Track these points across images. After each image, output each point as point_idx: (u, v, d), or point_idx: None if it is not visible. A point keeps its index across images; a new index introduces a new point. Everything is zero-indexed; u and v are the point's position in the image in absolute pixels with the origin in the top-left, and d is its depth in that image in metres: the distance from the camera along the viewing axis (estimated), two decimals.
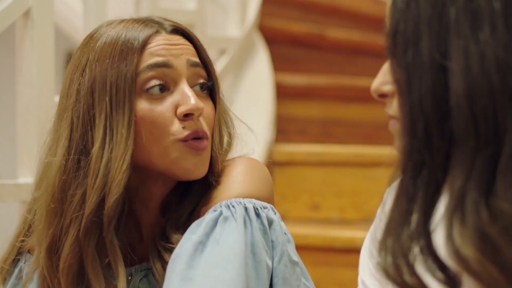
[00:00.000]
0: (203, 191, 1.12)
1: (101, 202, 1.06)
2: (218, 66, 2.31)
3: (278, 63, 2.56)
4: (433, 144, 0.75)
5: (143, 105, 1.08)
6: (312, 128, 2.61)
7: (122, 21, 1.14)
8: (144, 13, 2.02)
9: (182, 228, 1.10)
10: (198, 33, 2.22)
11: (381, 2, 3.10)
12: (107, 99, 1.07)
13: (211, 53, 2.35)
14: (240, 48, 2.41)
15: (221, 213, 1.06)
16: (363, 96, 2.62)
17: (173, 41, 1.11)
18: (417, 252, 0.76)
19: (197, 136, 1.09)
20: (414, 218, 0.76)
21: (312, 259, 1.91)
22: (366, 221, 2.11)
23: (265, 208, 1.08)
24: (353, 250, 1.77)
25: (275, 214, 1.09)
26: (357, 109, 2.69)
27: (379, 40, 2.91)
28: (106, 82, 1.08)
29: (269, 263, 1.05)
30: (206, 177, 1.12)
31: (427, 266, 0.75)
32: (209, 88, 1.14)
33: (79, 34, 2.03)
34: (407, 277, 0.76)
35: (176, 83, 1.10)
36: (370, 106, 2.62)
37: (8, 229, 1.20)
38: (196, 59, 1.12)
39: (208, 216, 1.06)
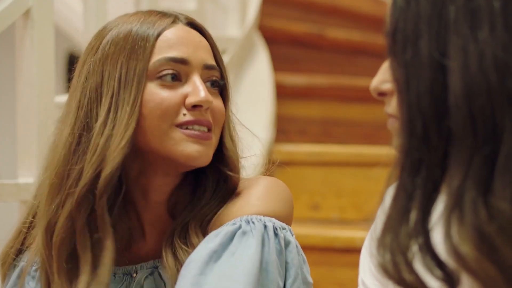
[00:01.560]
0: (220, 190, 1.13)
1: (96, 177, 1.06)
2: None
3: (278, 63, 2.56)
4: (431, 142, 0.75)
5: (152, 88, 1.09)
6: (312, 128, 2.61)
7: (138, 12, 1.15)
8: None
9: (203, 232, 1.10)
10: None
11: (381, 2, 3.10)
12: (116, 77, 1.08)
13: None
14: (240, 48, 2.41)
15: (240, 227, 1.06)
16: (363, 96, 2.62)
17: (189, 35, 1.13)
18: (415, 249, 0.76)
19: (200, 125, 1.09)
20: (413, 216, 0.76)
21: (312, 259, 1.90)
22: (366, 221, 2.10)
23: (283, 229, 1.09)
24: (353, 250, 1.77)
25: (292, 235, 1.10)
26: (357, 109, 2.69)
27: (379, 40, 2.90)
28: (118, 61, 1.09)
29: (281, 284, 1.06)
30: (218, 177, 1.13)
31: (426, 263, 0.75)
32: (220, 86, 1.15)
33: (79, 34, 2.03)
34: (406, 275, 0.76)
35: (188, 76, 1.11)
36: (370, 106, 2.62)
37: (8, 229, 1.20)
38: (212, 62, 1.13)
39: (227, 228, 1.07)
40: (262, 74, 2.43)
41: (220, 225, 1.09)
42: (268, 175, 1.18)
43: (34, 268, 1.14)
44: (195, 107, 1.09)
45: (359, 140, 2.61)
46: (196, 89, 1.09)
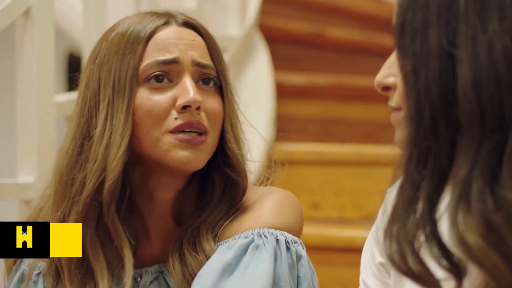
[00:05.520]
0: (228, 195, 1.12)
1: (99, 186, 1.07)
2: None
3: (278, 62, 2.56)
4: (439, 132, 0.75)
5: (143, 94, 1.09)
6: (312, 127, 2.61)
7: (139, 13, 1.16)
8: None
9: (214, 238, 1.09)
10: None
11: (381, 1, 3.10)
12: (110, 83, 1.09)
13: None
14: (240, 47, 2.41)
15: (252, 240, 1.06)
16: (363, 95, 2.62)
17: (182, 35, 1.12)
18: (422, 239, 0.76)
19: (191, 128, 1.08)
20: (420, 206, 0.76)
21: (312, 259, 1.90)
22: (366, 220, 2.10)
23: (295, 242, 1.09)
24: (354, 249, 1.76)
25: (303, 249, 1.10)
26: (357, 108, 2.69)
27: (379, 39, 2.91)
28: (112, 67, 1.09)
29: None
30: (225, 181, 1.12)
31: (432, 253, 0.76)
32: (218, 85, 1.13)
33: (79, 34, 2.03)
34: (412, 265, 0.76)
35: (179, 76, 1.10)
36: (370, 105, 2.62)
37: None
38: (202, 60, 1.12)
39: (240, 241, 1.06)
40: (262, 73, 2.43)
41: (232, 235, 1.08)
42: (271, 176, 1.17)
43: (35, 273, 1.14)
44: (184, 108, 1.07)
45: (359, 139, 2.60)
46: (185, 89, 1.08)
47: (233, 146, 1.12)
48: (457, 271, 0.76)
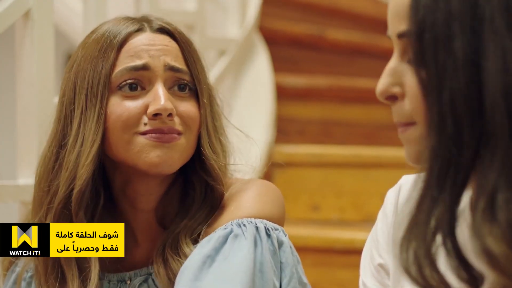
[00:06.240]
0: (208, 200, 1.12)
1: (70, 194, 1.08)
2: (218, 67, 2.30)
3: (278, 64, 2.56)
4: (464, 142, 0.74)
5: (115, 101, 1.09)
6: (312, 128, 2.61)
7: (116, 18, 1.15)
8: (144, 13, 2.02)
9: (195, 242, 1.09)
10: (198, 34, 2.23)
11: (381, 3, 3.10)
12: (84, 94, 1.09)
13: (211, 54, 2.36)
14: (240, 49, 2.41)
15: (231, 231, 1.06)
16: (363, 97, 2.62)
17: (154, 41, 1.11)
18: (440, 251, 0.75)
19: (161, 133, 1.07)
20: (438, 217, 0.75)
21: (312, 260, 1.91)
22: (366, 221, 2.11)
23: (276, 229, 1.08)
24: (353, 251, 1.77)
25: (285, 236, 1.09)
26: (357, 109, 2.69)
27: (379, 41, 2.91)
28: (85, 77, 1.09)
29: (277, 283, 1.05)
30: (205, 186, 1.12)
31: (451, 265, 0.75)
32: (194, 90, 1.12)
33: (79, 34, 2.03)
34: (430, 278, 0.75)
35: (151, 83, 1.09)
36: (370, 106, 2.62)
37: None
38: (175, 64, 1.11)
39: (218, 233, 1.06)
40: (262, 75, 2.43)
41: (213, 231, 1.08)
42: (267, 177, 1.17)
43: (29, 274, 1.15)
44: (156, 115, 1.07)
45: (358, 141, 2.61)
46: (157, 97, 1.08)
47: (207, 151, 1.11)
48: (475, 282, 0.75)
